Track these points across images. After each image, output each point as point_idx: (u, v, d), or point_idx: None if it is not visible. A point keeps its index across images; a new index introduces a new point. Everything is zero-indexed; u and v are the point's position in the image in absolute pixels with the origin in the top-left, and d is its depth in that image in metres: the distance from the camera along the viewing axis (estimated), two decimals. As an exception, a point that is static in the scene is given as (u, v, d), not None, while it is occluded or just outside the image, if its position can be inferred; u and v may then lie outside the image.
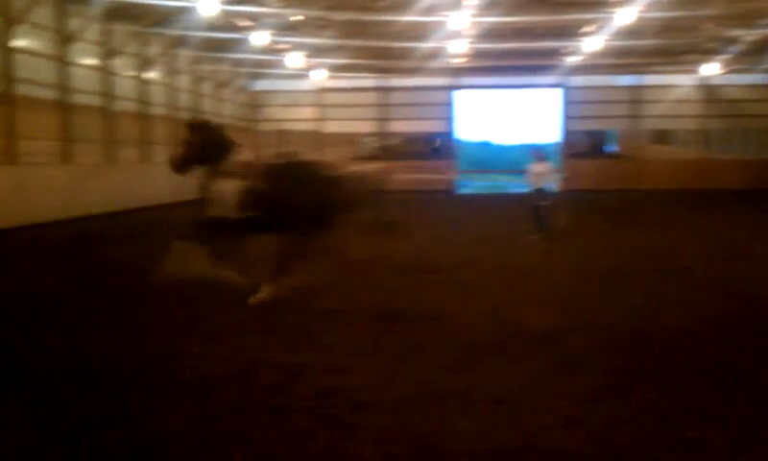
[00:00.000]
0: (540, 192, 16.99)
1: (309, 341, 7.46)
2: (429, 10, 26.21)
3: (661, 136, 48.04)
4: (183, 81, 33.63)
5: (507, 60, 37.07)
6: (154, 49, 29.97)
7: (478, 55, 36.43)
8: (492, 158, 50.91)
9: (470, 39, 32.43)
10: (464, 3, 26.13)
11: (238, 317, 8.50)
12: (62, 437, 4.97)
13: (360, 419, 5.25)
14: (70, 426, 5.16)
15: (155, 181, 27.93)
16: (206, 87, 36.47)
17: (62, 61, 23.47)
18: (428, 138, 48.76)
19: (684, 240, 16.93)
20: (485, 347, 7.19)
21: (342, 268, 12.40)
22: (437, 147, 47.53)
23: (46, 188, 20.62)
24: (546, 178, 17.15)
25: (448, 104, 41.86)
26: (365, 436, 4.95)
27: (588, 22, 29.58)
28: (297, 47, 33.85)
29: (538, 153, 17.52)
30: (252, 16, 28.06)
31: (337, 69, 39.28)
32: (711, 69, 38.64)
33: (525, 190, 17.65)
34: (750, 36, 31.22)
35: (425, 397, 5.71)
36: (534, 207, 16.99)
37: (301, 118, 42.78)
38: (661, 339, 7.54)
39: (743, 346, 7.26)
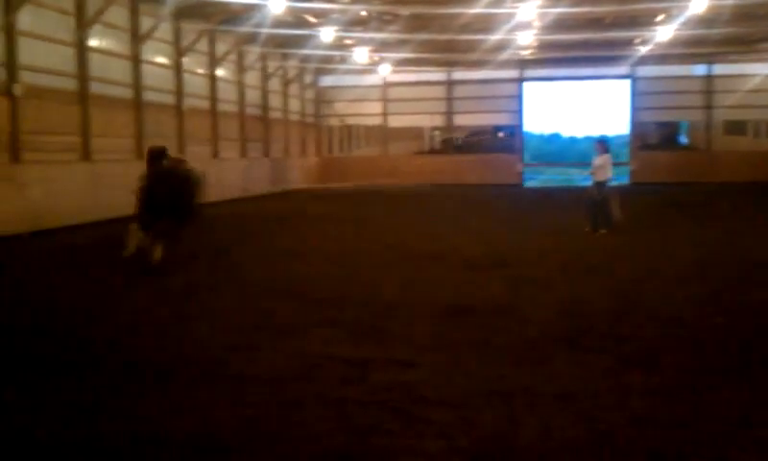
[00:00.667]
0: (600, 185, 16.60)
1: (373, 335, 7.52)
2: (495, 1, 25.98)
3: (734, 127, 46.65)
4: (252, 77, 34.12)
5: (575, 50, 36.50)
6: (223, 46, 30.47)
7: (545, 46, 35.97)
8: (559, 151, 50.26)
9: (537, 31, 32.04)
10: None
11: (303, 312, 8.64)
12: (142, 423, 5.13)
13: (425, 413, 5.27)
14: (148, 414, 5.32)
15: (225, 176, 28.45)
16: (274, 84, 36.91)
17: (135, 60, 24.04)
18: (495, 131, 48.44)
19: (761, 234, 16.46)
20: (553, 341, 7.14)
21: (401, 262, 12.49)
22: (503, 139, 47.20)
23: (120, 185, 21.13)
24: (608, 170, 16.69)
25: (515, 96, 41.45)
26: (430, 430, 4.97)
27: (658, 11, 28.91)
28: (362, 42, 33.96)
29: (600, 145, 17.17)
30: (319, 12, 28.27)
31: (402, 63, 39.26)
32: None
33: (587, 183, 17.36)
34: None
35: (490, 392, 5.70)
36: (594, 201, 16.65)
37: (368, 113, 42.94)
38: (739, 336, 7.36)
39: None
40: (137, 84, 24.14)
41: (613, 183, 17.35)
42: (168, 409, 5.44)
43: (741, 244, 14.62)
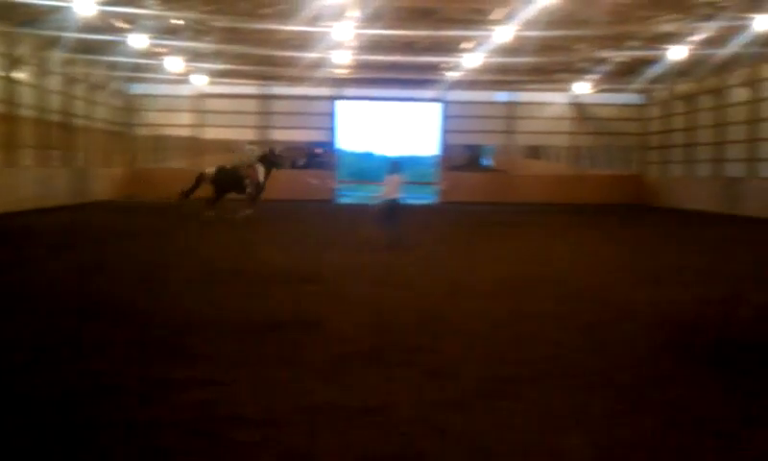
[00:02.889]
0: (391, 203, 17.52)
1: (176, 353, 7.26)
2: (313, 20, 26.15)
3: (535, 152, 49.80)
4: (55, 82, 32.29)
5: (389, 72, 37.45)
6: (23, 48, 28.63)
7: (361, 66, 36.66)
8: (373, 169, 51.30)
9: (353, 51, 32.60)
10: (347, 14, 26.25)
11: (102, 329, 8.23)
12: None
13: (227, 432, 5.14)
14: None
15: (20, 186, 26.71)
16: (79, 90, 35.13)
17: None
18: (310, 147, 48.68)
19: (555, 252, 17.56)
20: (360, 356, 7.21)
21: (216, 277, 12.23)
22: (318, 156, 47.53)
23: None
24: (398, 189, 17.66)
25: (330, 114, 41.94)
26: (232, 450, 4.86)
27: (468, 39, 30.26)
28: (176, 51, 33.06)
29: (391, 165, 18.10)
30: (131, 18, 27.22)
31: (218, 75, 38.63)
32: (582, 88, 40.32)
33: (377, 201, 18.17)
34: (619, 57, 32.76)
35: (295, 408, 5.66)
36: (384, 217, 17.58)
37: (181, 124, 41.82)
38: (531, 347, 7.76)
39: (615, 353, 7.55)
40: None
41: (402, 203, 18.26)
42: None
43: (539, 260, 15.52)
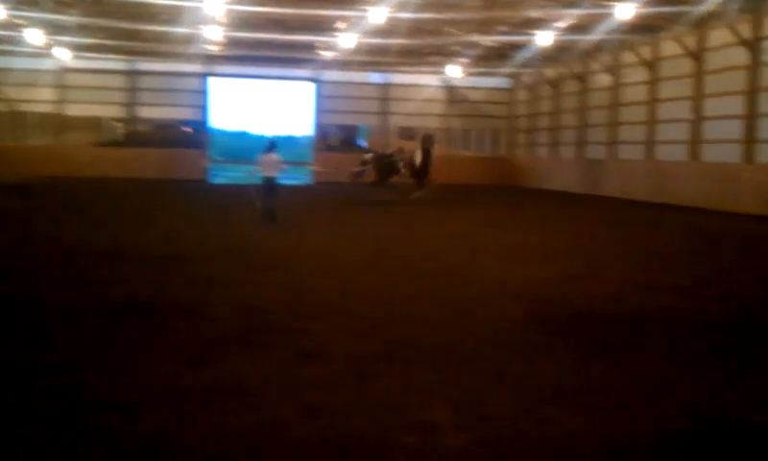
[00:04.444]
0: (268, 182, 18.00)
1: (37, 340, 6.96)
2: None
3: (409, 133, 50.39)
4: None
5: (262, 50, 36.95)
6: None
7: (233, 43, 35.97)
8: (246, 149, 50.54)
9: (225, 27, 31.94)
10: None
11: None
12: None
13: (88, 418, 4.97)
14: None
15: None
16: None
17: None
18: (180, 125, 47.41)
19: (425, 231, 17.87)
20: (231, 338, 7.11)
21: (78, 260, 11.76)
22: (187, 134, 46.39)
23: None
24: (275, 169, 18.14)
25: (202, 91, 40.98)
26: (92, 436, 4.70)
27: (342, 19, 30.22)
28: (37, 23, 31.40)
29: (268, 144, 18.52)
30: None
31: (82, 49, 37.00)
32: (454, 71, 41.08)
33: (256, 180, 18.51)
34: (489, 42, 33.55)
35: (162, 392, 5.53)
36: (263, 197, 18.06)
37: (42, 100, 39.84)
38: (400, 324, 7.87)
39: (482, 328, 7.76)
40: None
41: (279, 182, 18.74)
42: None
43: (408, 239, 15.75)
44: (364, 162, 27.55)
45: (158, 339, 7.06)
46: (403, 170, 26.89)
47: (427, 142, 27.31)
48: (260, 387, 5.68)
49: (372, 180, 27.03)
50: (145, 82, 40.47)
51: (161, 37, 33.29)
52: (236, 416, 5.07)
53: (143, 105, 40.73)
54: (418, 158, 26.71)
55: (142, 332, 7.30)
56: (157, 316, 8.00)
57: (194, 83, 40.68)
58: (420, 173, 26.68)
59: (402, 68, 41.67)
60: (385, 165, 26.86)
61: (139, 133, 44.54)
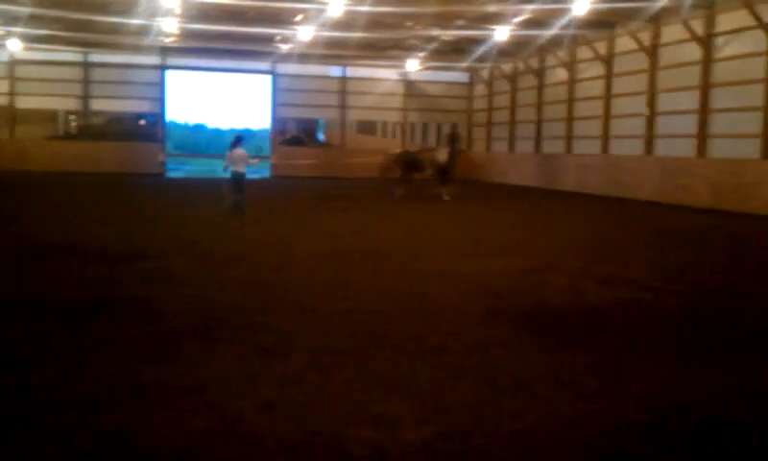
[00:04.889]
0: (236, 177, 18.26)
1: (-10, 335, 6.82)
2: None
3: (369, 127, 50.43)
4: None
5: (219, 42, 36.58)
6: None
7: (190, 35, 35.54)
8: (204, 142, 50.16)
9: (181, 19, 31.54)
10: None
11: None
12: None
13: (45, 417, 4.88)
14: None
15: None
16: None
17: None
18: (136, 118, 46.80)
19: (382, 226, 17.88)
20: (187, 333, 7.04)
21: (31, 254, 11.55)
22: (143, 127, 45.83)
23: None
24: (242, 163, 18.36)
25: (158, 84, 40.48)
26: (48, 434, 4.61)
27: (300, 11, 30.04)
28: (-15, 13, 30.71)
29: (235, 139, 18.68)
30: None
31: (34, 40, 36.22)
32: (413, 65, 41.11)
33: (225, 175, 18.80)
34: (447, 36, 33.64)
35: (119, 389, 5.45)
36: (232, 191, 18.29)
37: (-9, 92, 39.01)
38: (360, 319, 7.86)
39: (440, 321, 7.78)
40: None
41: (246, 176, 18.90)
42: None
43: (367, 235, 15.75)
44: (390, 159, 27.29)
45: (115, 336, 6.96)
46: (428, 169, 26.80)
47: (453, 139, 27.37)
48: (218, 383, 5.63)
49: (396, 176, 26.62)
50: (99, 74, 39.81)
51: (116, 29, 32.76)
52: (194, 413, 5.02)
53: (97, 97, 40.07)
54: (442, 156, 26.74)
55: (98, 329, 7.19)
56: (114, 312, 7.89)
57: (150, 75, 40.16)
58: (445, 170, 26.53)
59: (361, 62, 41.59)
60: (409, 163, 26.63)
61: (94, 126, 43.90)
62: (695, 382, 6.02)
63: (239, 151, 18.28)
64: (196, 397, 5.32)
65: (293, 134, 48.68)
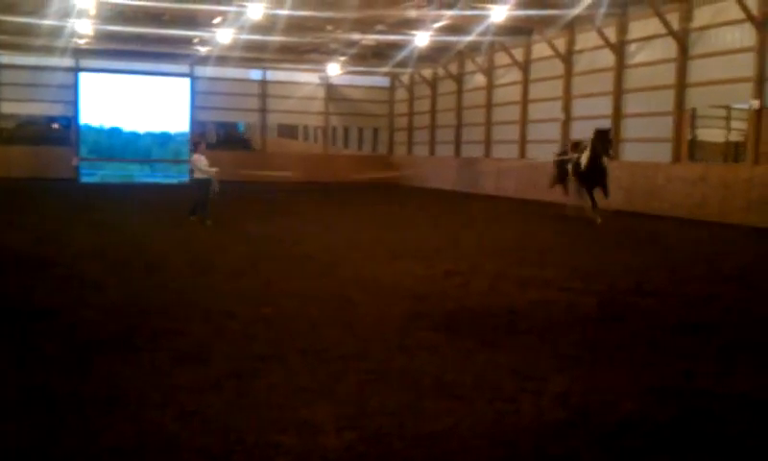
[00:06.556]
0: (198, 183, 18.43)
1: None
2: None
3: (291, 131, 50.16)
4: None
5: (135, 44, 35.80)
6: None
7: (105, 37, 34.64)
8: (121, 146, 49.05)
9: (96, 20, 30.74)
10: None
11: None
12: None
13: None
14: None
15: None
16: None
17: None
18: (48, 122, 45.39)
19: (306, 230, 17.80)
20: (101, 343, 6.85)
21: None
22: (56, 131, 44.49)
23: None
24: (200, 167, 18.24)
25: (72, 87, 39.35)
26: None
27: (219, 14, 29.66)
28: None
29: (193, 145, 18.63)
30: None
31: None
32: (334, 69, 41.08)
33: (186, 178, 18.69)
34: (368, 41, 33.73)
35: (29, 401, 5.27)
36: (192, 197, 18.41)
37: None
38: (282, 325, 7.80)
39: (363, 326, 7.78)
40: None
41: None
42: None
43: (291, 239, 15.65)
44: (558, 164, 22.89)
45: (28, 346, 6.73)
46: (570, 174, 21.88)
47: (601, 140, 20.33)
48: (135, 393, 5.50)
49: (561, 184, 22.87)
50: (9, 76, 38.45)
51: (26, 30, 31.69)
52: (112, 425, 4.89)
53: (7, 100, 38.69)
54: (584, 159, 20.63)
55: (10, 340, 6.94)
56: (27, 322, 7.63)
57: (63, 77, 38.94)
58: (586, 178, 20.68)
59: (281, 65, 41.34)
60: (562, 166, 22.15)
61: (4, 129, 42.37)
62: (610, 381, 6.17)
63: (200, 157, 18.22)
64: (113, 408, 5.19)
65: (212, 137, 47.93)
